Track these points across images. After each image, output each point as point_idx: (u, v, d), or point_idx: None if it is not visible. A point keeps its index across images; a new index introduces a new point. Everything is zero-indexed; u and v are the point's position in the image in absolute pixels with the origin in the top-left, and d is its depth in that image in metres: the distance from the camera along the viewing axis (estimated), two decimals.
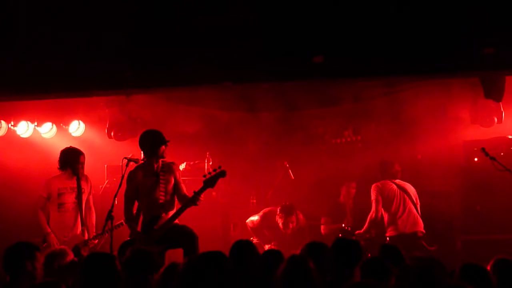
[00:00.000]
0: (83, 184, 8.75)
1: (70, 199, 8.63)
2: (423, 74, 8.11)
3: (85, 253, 8.22)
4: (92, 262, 5.31)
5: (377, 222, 9.27)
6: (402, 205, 9.26)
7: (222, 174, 7.91)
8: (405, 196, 9.31)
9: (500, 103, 9.53)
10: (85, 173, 8.87)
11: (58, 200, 8.59)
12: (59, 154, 8.81)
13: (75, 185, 8.66)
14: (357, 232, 9.28)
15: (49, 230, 8.48)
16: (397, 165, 9.53)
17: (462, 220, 9.79)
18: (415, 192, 9.41)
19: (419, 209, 9.29)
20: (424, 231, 9.15)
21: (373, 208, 9.27)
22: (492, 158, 8.54)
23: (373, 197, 9.32)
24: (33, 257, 5.84)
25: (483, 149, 8.66)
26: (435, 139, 9.92)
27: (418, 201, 9.37)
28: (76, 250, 8.10)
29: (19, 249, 5.87)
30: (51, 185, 8.64)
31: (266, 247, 9.43)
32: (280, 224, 9.70)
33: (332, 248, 5.74)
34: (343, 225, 9.65)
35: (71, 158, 8.73)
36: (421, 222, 9.17)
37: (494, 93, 9.23)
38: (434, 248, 8.95)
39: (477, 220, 9.59)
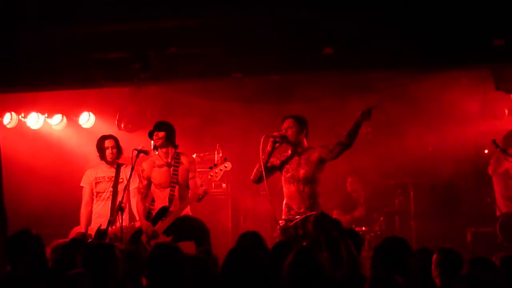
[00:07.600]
0: (122, 173, 8.55)
1: (106, 188, 8.53)
2: (433, 66, 8.10)
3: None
4: (93, 253, 5.35)
5: None
6: None
7: (226, 166, 7.93)
8: None
9: (511, 95, 9.47)
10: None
11: (95, 189, 8.53)
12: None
13: (113, 174, 8.55)
14: None
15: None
16: None
17: (472, 212, 9.78)
18: None
19: None
20: None
21: None
22: (503, 150, 8.51)
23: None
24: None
25: (493, 141, 8.62)
26: (445, 131, 9.88)
27: None
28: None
29: (21, 237, 5.71)
30: (89, 174, 8.62)
31: None
32: None
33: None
34: None
35: (98, 145, 8.67)
36: None
37: (504, 84, 9.18)
38: None
39: (487, 212, 9.56)
